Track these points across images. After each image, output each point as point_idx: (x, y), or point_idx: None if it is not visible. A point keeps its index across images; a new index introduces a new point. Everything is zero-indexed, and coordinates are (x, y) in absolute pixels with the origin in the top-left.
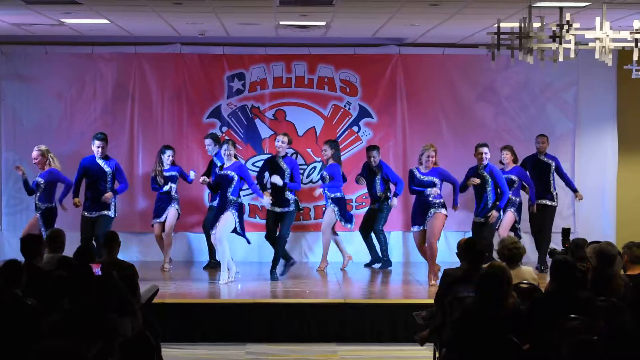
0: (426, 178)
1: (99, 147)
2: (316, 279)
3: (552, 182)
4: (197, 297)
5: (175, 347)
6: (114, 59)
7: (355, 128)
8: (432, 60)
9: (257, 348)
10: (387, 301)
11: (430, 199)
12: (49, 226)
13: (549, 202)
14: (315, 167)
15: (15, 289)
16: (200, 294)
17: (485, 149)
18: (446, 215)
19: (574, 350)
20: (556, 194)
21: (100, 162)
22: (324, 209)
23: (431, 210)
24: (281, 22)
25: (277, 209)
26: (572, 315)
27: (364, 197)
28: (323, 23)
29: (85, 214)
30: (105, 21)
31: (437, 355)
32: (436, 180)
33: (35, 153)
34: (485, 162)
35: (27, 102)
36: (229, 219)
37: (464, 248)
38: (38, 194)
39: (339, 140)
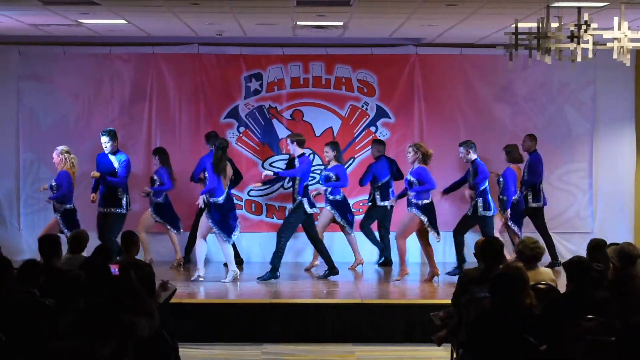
0: (409, 177)
1: (104, 142)
2: (333, 279)
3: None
4: (214, 297)
5: (192, 347)
6: (131, 60)
7: (372, 128)
8: (450, 61)
9: (274, 348)
10: (404, 301)
11: (411, 197)
12: (71, 227)
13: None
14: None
15: (33, 288)
16: (217, 294)
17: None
18: (421, 221)
19: (590, 351)
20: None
21: (111, 157)
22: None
23: (410, 207)
24: (298, 23)
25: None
26: (589, 316)
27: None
28: (340, 23)
29: (98, 208)
30: (123, 21)
31: (454, 355)
32: (412, 179)
33: (55, 154)
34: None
35: (45, 103)
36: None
37: (481, 248)
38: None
39: (356, 141)
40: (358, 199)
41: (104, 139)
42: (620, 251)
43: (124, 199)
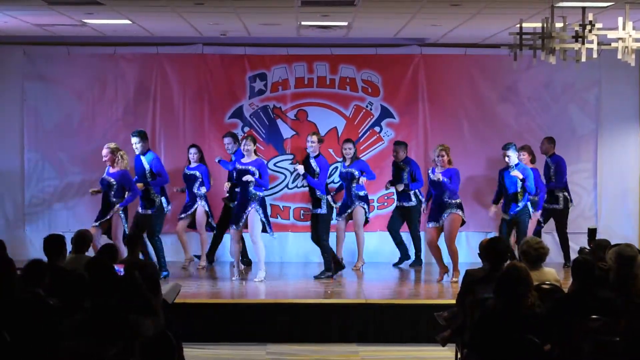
0: (439, 177)
1: (134, 144)
2: (337, 279)
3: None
4: (218, 297)
5: (196, 347)
6: (135, 60)
7: (377, 128)
8: (454, 61)
9: (278, 348)
10: (409, 301)
11: (445, 199)
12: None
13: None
14: (337, 168)
15: (38, 288)
16: (221, 294)
17: (509, 151)
18: (462, 218)
19: (595, 351)
20: (562, 194)
21: (142, 158)
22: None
23: (447, 210)
24: (303, 23)
25: (311, 210)
26: (594, 316)
27: (386, 198)
28: (345, 23)
29: (138, 209)
30: (127, 22)
31: (458, 355)
32: (447, 179)
33: (104, 151)
34: (511, 163)
35: (49, 103)
36: (255, 219)
37: (485, 248)
38: (112, 192)
39: (360, 141)
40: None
41: (134, 140)
42: (617, 253)
43: (157, 200)
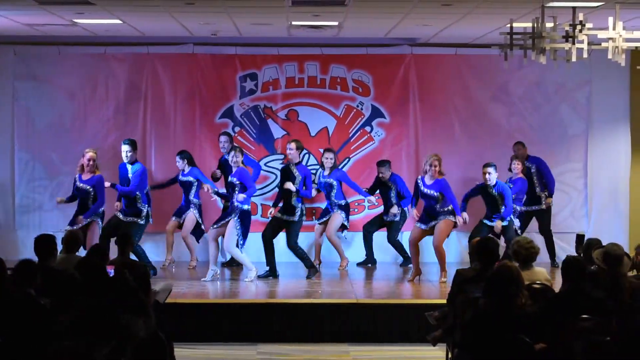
0: (429, 191)
1: (124, 152)
2: (328, 279)
3: (535, 187)
4: (209, 297)
5: (187, 347)
6: (126, 59)
7: (367, 128)
8: (445, 61)
9: (269, 348)
10: (400, 301)
11: (437, 208)
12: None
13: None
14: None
15: (29, 288)
16: (213, 294)
17: (490, 169)
18: (455, 223)
19: (586, 351)
20: (544, 195)
21: (128, 166)
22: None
23: (440, 216)
24: (293, 22)
25: (284, 217)
26: (584, 316)
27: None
28: (335, 23)
29: (118, 214)
30: (118, 21)
31: (449, 355)
32: (437, 194)
33: (91, 155)
34: (491, 182)
35: (40, 103)
36: (232, 231)
37: (476, 248)
38: (90, 198)
39: (351, 141)
40: (353, 198)
41: (125, 148)
42: (605, 253)
43: (145, 210)
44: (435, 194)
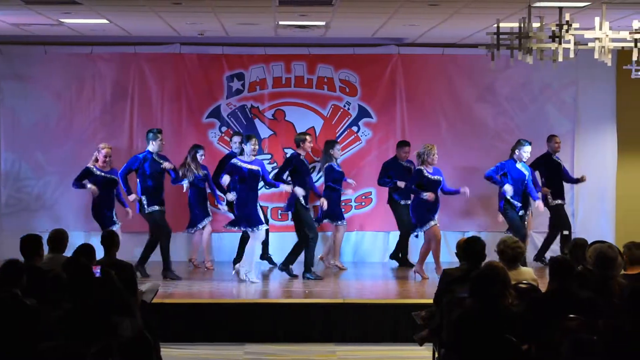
0: (435, 177)
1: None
2: (316, 279)
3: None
4: (197, 297)
5: (174, 347)
6: (113, 59)
7: (354, 128)
8: (432, 61)
9: (257, 348)
10: (387, 301)
11: (438, 197)
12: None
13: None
14: (315, 167)
15: (15, 289)
16: (199, 294)
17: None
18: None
19: (573, 350)
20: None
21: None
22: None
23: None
24: (281, 22)
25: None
26: (571, 315)
27: (364, 198)
28: (322, 23)
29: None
30: (105, 21)
31: (436, 355)
32: (440, 179)
33: (108, 151)
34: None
35: (26, 102)
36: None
37: (463, 248)
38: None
39: (338, 140)
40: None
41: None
42: (599, 254)
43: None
44: (439, 178)
